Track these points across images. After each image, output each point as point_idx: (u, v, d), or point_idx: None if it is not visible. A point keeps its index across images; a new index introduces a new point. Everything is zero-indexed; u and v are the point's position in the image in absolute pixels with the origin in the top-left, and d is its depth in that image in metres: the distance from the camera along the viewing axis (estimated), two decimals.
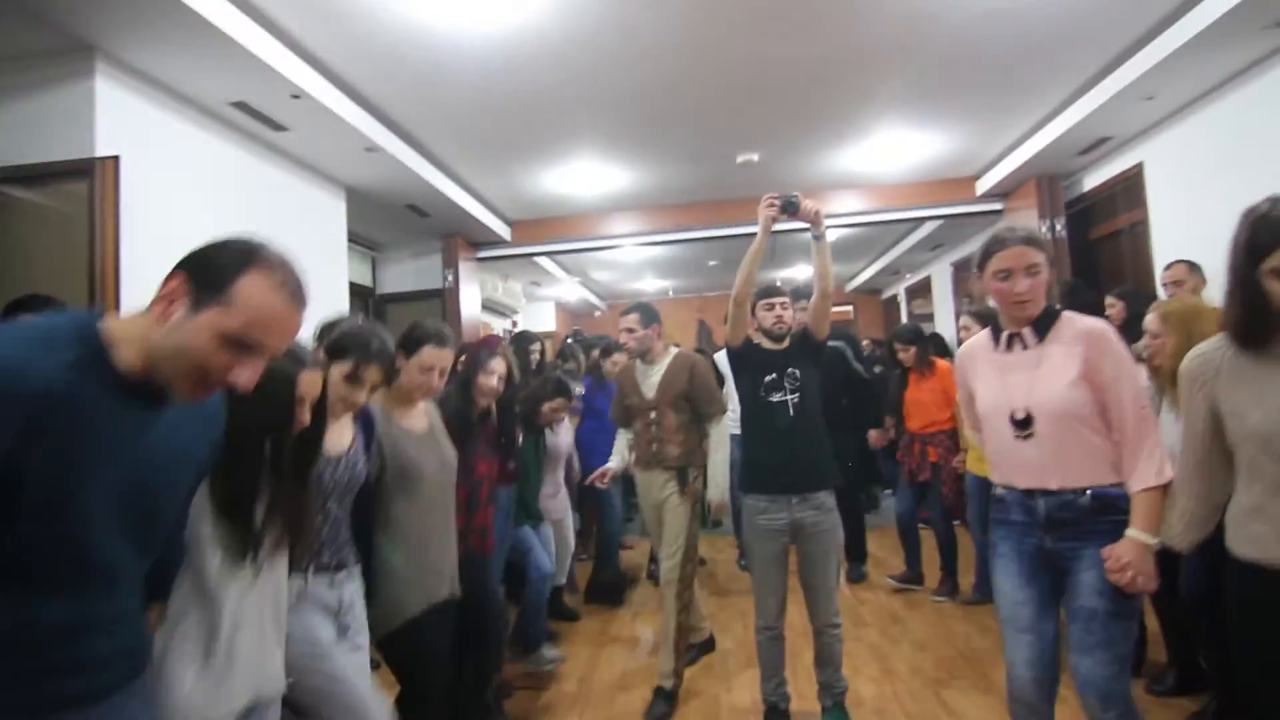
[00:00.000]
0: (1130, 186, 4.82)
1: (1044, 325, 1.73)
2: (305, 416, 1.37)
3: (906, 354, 4.08)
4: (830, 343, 4.14)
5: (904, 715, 2.66)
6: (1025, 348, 1.75)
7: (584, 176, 5.22)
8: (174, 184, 3.09)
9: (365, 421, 1.86)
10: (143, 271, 2.74)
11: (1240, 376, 1.38)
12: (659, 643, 2.98)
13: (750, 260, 2.40)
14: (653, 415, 2.98)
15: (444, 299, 5.87)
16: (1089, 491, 1.64)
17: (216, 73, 2.96)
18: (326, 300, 4.34)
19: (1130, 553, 1.55)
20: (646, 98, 3.92)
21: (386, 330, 1.83)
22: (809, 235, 2.43)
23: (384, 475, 1.91)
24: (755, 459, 2.55)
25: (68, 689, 0.95)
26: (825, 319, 2.54)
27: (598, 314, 11.90)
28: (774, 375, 2.52)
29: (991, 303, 1.92)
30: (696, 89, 3.86)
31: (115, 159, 2.64)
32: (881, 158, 5.26)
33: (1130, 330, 3.75)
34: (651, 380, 3.01)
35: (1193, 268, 3.51)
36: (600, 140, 4.59)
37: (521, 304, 8.72)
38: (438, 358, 2.01)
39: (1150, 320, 2.23)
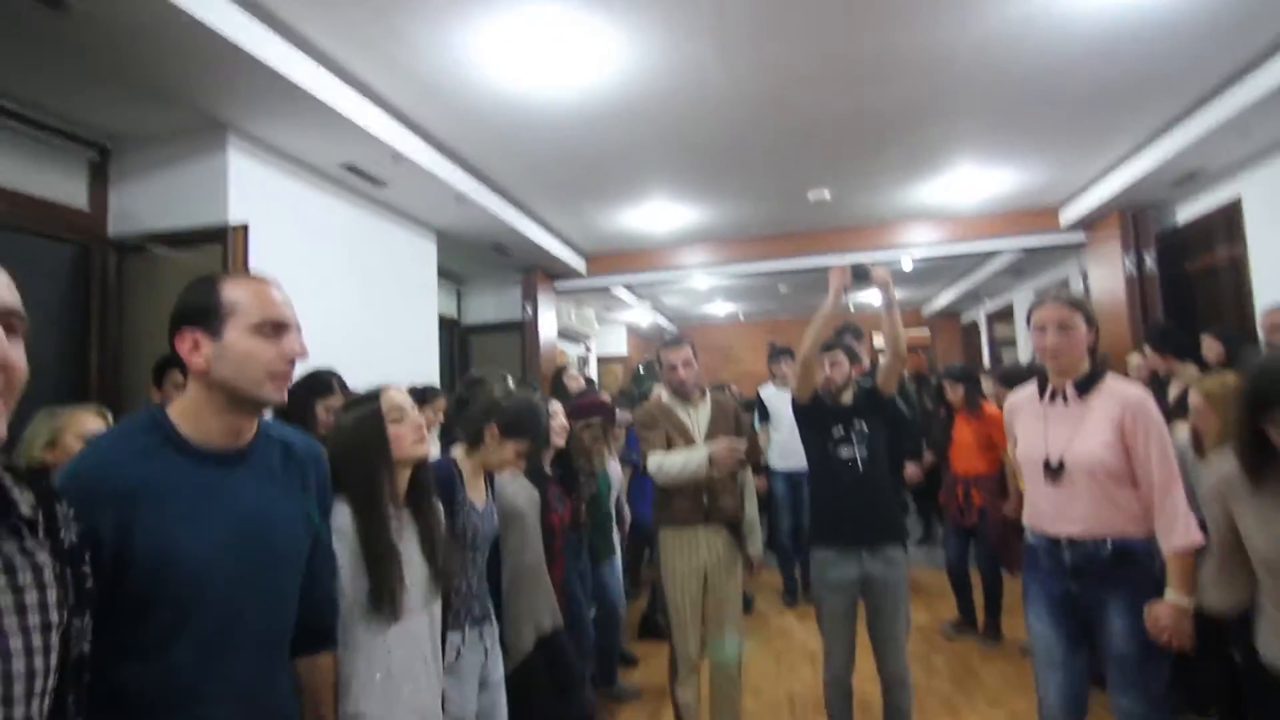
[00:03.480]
0: (1228, 221, 4.60)
1: (1086, 385, 1.90)
2: (406, 435, 1.53)
3: (955, 393, 4.02)
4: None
5: None
6: (1067, 403, 1.92)
7: (657, 214, 5.40)
8: (291, 239, 3.43)
9: (489, 473, 2.03)
10: None
11: (1251, 501, 1.49)
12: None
13: (817, 325, 2.48)
14: None
15: (524, 331, 6.15)
16: (1109, 542, 1.78)
17: (329, 141, 3.28)
18: (419, 333, 4.66)
19: (1166, 615, 1.68)
20: (717, 145, 4.05)
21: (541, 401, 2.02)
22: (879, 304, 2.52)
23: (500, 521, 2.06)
24: (825, 512, 2.59)
25: None
26: (895, 378, 2.59)
27: (667, 337, 12.04)
28: (841, 429, 2.57)
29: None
30: (766, 135, 3.96)
31: (245, 227, 2.98)
32: (957, 191, 5.21)
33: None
34: (698, 421, 2.73)
35: None
36: (673, 183, 4.75)
37: (595, 329, 8.97)
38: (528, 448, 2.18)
39: (1193, 398, 2.20)
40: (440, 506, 1.67)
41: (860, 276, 2.41)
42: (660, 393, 3.85)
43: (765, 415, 4.81)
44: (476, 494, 1.91)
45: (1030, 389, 2.06)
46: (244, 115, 3.00)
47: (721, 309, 10.83)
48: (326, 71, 2.90)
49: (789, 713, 3.20)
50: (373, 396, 1.58)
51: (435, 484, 1.66)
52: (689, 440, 2.69)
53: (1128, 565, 1.76)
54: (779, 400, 4.70)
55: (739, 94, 3.39)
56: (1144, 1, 2.76)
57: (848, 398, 2.65)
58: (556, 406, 2.66)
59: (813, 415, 2.62)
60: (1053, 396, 1.95)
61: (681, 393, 2.75)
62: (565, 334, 7.88)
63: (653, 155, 4.18)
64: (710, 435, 2.69)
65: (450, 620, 1.72)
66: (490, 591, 1.96)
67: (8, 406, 0.76)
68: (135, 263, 3.12)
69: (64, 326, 3.00)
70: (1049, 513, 1.89)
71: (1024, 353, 8.59)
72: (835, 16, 2.77)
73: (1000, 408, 3.84)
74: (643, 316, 10.19)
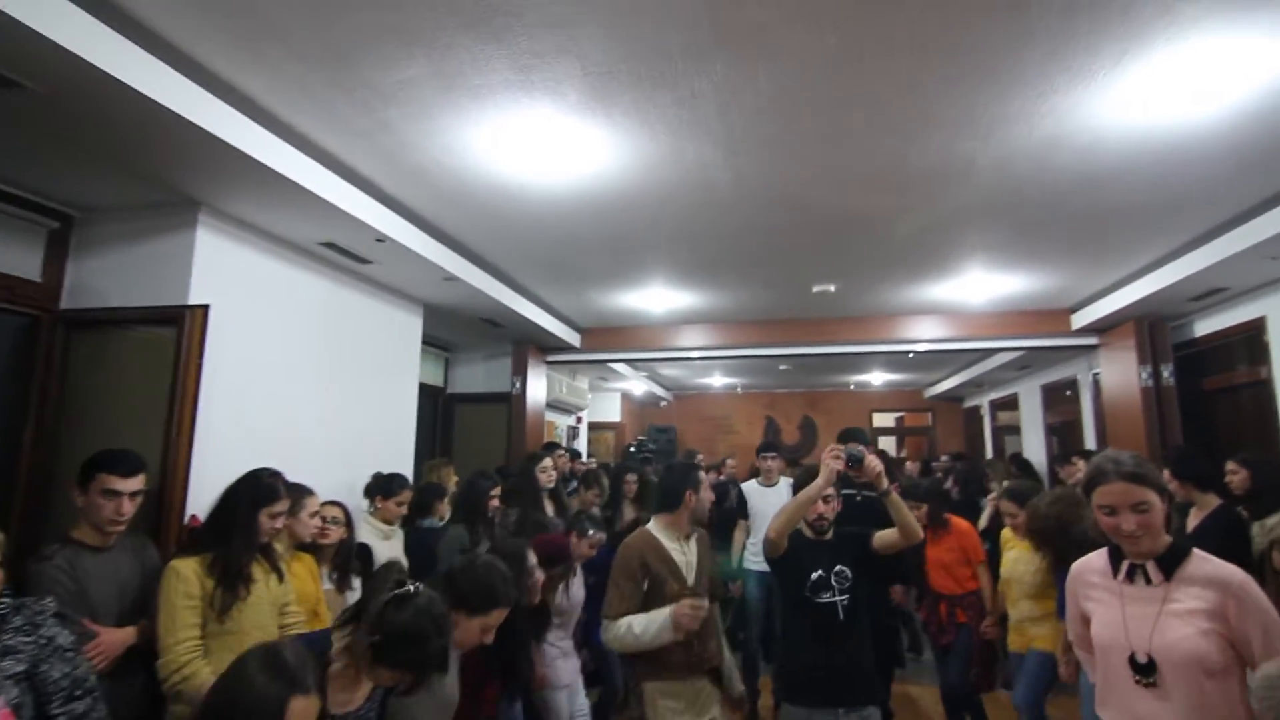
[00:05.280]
0: (1250, 340, 4.41)
1: (1170, 563, 1.63)
2: None
3: (918, 512, 3.72)
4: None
5: None
6: (1149, 583, 1.64)
7: (656, 298, 5.21)
8: (261, 317, 3.21)
9: None
10: (216, 407, 2.84)
11: None
12: None
13: (799, 508, 2.31)
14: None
15: (511, 404, 5.90)
16: None
17: (309, 221, 3.10)
18: (397, 411, 4.40)
19: None
20: (720, 238, 3.88)
21: (500, 562, 1.68)
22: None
23: None
24: (798, 665, 2.35)
25: None
26: (892, 550, 2.41)
27: (663, 404, 11.81)
28: (820, 573, 2.37)
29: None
30: (771, 233, 3.79)
31: (205, 308, 2.76)
32: (967, 291, 5.03)
33: (1256, 503, 3.34)
34: (689, 559, 2.43)
35: None
36: (672, 271, 4.57)
37: (588, 400, 8.72)
38: (500, 616, 1.81)
39: None
40: None
41: (853, 462, 2.27)
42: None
43: (745, 512, 4.52)
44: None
45: (1099, 559, 1.80)
46: (217, 195, 2.82)
47: (719, 380, 10.61)
48: (307, 157, 2.73)
49: None
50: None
51: None
52: (681, 582, 2.37)
53: None
54: (759, 497, 4.44)
55: (744, 193, 3.22)
56: (1175, 129, 2.61)
57: (830, 535, 2.45)
58: (534, 561, 2.37)
59: (789, 558, 2.40)
60: (1130, 574, 1.68)
61: (699, 519, 2.52)
62: (556, 405, 7.63)
63: (652, 245, 4.01)
64: (699, 576, 2.44)
65: None
66: None
67: None
68: (85, 339, 2.89)
69: (1, 404, 2.76)
70: (1136, 714, 1.61)
71: (1027, 441, 8.34)
72: (849, 127, 2.61)
73: (1014, 526, 3.47)
74: (637, 386, 9.96)
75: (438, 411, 6.18)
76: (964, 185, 3.12)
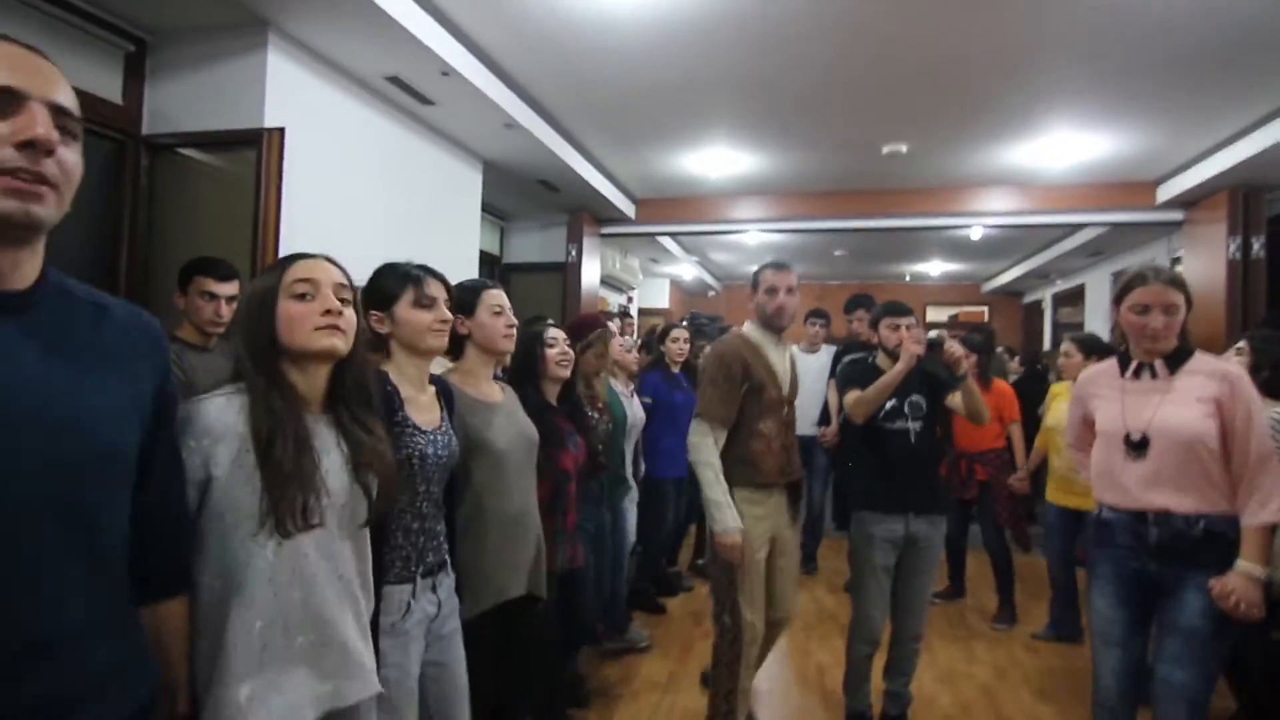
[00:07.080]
0: None
1: (1177, 360, 1.85)
2: (307, 318, 1.17)
3: (969, 361, 3.70)
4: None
5: None
6: (1154, 377, 1.86)
7: (717, 160, 5.07)
8: (329, 152, 3.24)
9: (445, 394, 1.67)
10: (298, 232, 2.93)
11: None
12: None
13: (880, 393, 2.35)
14: (786, 412, 2.35)
15: (565, 273, 5.94)
16: (1202, 523, 1.74)
17: (375, 48, 3.06)
18: (458, 267, 4.48)
19: (1238, 583, 1.69)
20: (794, 82, 3.71)
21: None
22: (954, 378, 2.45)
23: (462, 453, 1.66)
24: (870, 481, 2.50)
25: None
26: (953, 411, 2.55)
27: (712, 294, 11.74)
28: (895, 402, 2.44)
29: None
30: (848, 74, 3.60)
31: (281, 131, 2.80)
32: (1045, 155, 4.75)
33: None
34: (784, 366, 2.35)
35: None
36: (736, 123, 4.41)
37: (639, 280, 8.72)
38: (500, 296, 1.85)
39: None
40: (378, 420, 1.31)
41: (934, 347, 2.35)
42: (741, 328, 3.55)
43: None
44: (422, 413, 1.54)
45: (1107, 365, 2.00)
46: (286, 13, 2.79)
47: None
48: None
49: (818, 684, 3.04)
50: (279, 265, 1.23)
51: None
52: (779, 388, 2.31)
53: (1216, 544, 1.75)
54: (801, 363, 4.43)
55: (823, 25, 3.04)
56: None
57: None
58: (556, 333, 2.22)
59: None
60: (1137, 372, 1.90)
61: (776, 325, 2.31)
62: (608, 281, 7.66)
63: (719, 88, 3.85)
64: (792, 384, 2.41)
65: (397, 569, 1.45)
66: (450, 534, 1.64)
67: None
68: (168, 164, 2.98)
69: (94, 225, 2.89)
70: (1132, 487, 1.83)
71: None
72: None
73: (1067, 367, 3.49)
74: (687, 270, 9.89)
75: (493, 280, 6.26)
76: (1067, 11, 2.88)
